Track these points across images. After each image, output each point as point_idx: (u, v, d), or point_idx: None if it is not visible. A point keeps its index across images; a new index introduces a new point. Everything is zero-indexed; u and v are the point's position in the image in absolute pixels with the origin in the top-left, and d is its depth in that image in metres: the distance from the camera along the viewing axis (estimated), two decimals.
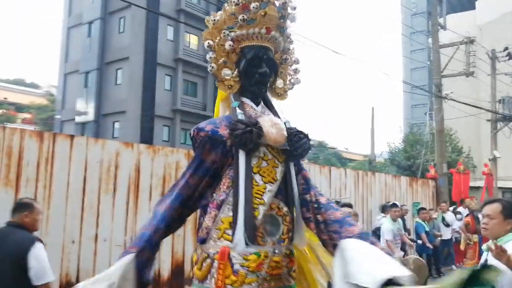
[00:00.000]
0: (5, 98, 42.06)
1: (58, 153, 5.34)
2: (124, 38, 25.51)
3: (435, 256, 10.49)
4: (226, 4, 2.23)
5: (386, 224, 7.94)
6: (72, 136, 5.69)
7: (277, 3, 2.18)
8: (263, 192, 2.02)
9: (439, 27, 15.56)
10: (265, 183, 2.04)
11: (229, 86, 2.19)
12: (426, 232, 9.85)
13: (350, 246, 1.90)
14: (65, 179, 5.37)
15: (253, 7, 2.10)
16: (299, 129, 2.21)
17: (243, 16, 2.12)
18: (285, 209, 2.09)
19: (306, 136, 2.20)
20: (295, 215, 2.17)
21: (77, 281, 5.27)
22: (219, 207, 2.03)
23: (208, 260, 2.00)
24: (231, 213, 1.99)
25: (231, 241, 1.96)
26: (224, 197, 2.03)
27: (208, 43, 2.22)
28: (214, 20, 2.22)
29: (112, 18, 26.45)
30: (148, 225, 2.04)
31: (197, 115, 25.33)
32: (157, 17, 24.47)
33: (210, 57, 2.21)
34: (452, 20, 23.86)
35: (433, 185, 13.86)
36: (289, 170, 2.15)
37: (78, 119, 27.01)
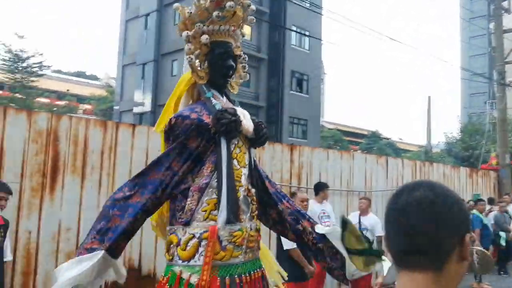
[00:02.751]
0: (68, 90, 44.04)
1: (120, 142, 5.53)
2: None
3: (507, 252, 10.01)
4: None
5: None
6: (133, 125, 5.90)
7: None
8: (241, 176, 2.25)
9: (502, 11, 14.80)
10: (241, 167, 2.26)
11: (201, 77, 2.37)
12: (485, 226, 9.31)
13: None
14: (127, 166, 5.55)
15: (229, 6, 2.28)
16: (259, 120, 2.46)
17: (218, 13, 2.28)
18: (253, 190, 2.32)
19: (265, 126, 2.45)
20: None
21: (140, 265, 5.50)
22: (202, 190, 2.16)
23: (194, 240, 2.11)
24: (215, 196, 2.15)
25: (217, 221, 2.13)
26: (208, 180, 2.17)
27: (187, 33, 2.35)
28: (190, 12, 2.36)
29: (168, 10, 26.97)
30: (123, 215, 2.12)
31: (249, 105, 25.33)
32: None
33: (190, 49, 2.36)
34: None
35: (494, 177, 13.30)
36: (251, 156, 2.39)
37: (135, 109, 27.89)
